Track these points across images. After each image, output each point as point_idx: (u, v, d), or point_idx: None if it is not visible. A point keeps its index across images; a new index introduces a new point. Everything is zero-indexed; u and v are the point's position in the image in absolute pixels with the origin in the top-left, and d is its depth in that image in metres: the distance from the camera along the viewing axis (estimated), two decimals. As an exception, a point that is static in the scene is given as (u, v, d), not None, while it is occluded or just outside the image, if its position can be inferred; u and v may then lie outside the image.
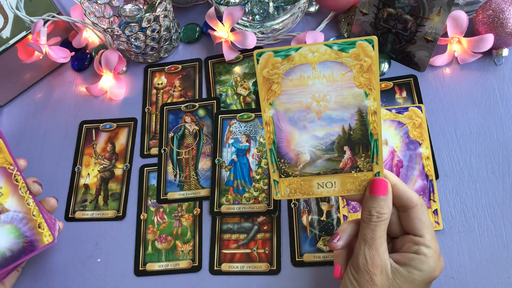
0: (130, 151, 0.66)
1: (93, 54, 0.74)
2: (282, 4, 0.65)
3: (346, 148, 0.45)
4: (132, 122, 0.68)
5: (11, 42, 0.67)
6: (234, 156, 0.62)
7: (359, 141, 0.44)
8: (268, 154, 0.46)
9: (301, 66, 0.43)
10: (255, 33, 0.65)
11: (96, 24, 0.64)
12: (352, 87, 0.43)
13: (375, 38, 0.41)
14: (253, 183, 0.60)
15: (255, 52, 0.42)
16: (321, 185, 0.46)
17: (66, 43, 0.74)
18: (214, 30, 0.66)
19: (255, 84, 0.67)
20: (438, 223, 0.54)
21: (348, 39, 0.41)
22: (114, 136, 0.67)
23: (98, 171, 0.65)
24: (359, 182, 0.45)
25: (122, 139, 0.67)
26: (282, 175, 0.46)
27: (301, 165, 0.46)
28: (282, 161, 0.46)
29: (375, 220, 0.42)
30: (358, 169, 0.45)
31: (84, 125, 0.69)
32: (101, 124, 0.69)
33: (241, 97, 0.67)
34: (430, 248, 0.41)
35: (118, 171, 0.65)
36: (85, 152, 0.67)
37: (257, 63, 0.43)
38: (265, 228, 0.58)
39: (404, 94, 0.62)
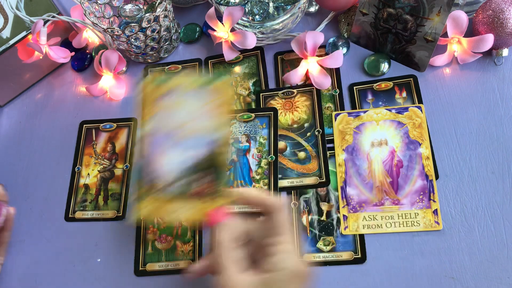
0: (130, 151, 0.66)
1: (93, 54, 0.74)
2: (282, 4, 0.65)
3: (200, 174, 0.46)
4: (132, 122, 0.68)
5: (11, 42, 0.67)
6: (234, 156, 0.63)
7: (211, 168, 0.46)
8: (134, 174, 0.48)
9: (174, 91, 0.47)
10: (255, 33, 0.65)
11: (96, 24, 0.64)
12: (211, 118, 0.46)
13: (228, 79, 0.47)
14: (253, 183, 0.60)
15: (145, 79, 0.48)
16: (174, 209, 0.47)
17: (66, 43, 0.74)
18: (214, 30, 0.66)
19: (255, 84, 0.67)
20: (438, 223, 0.54)
21: (210, 77, 0.47)
22: (114, 136, 0.67)
23: (98, 171, 0.65)
24: (208, 206, 0.46)
25: (122, 139, 0.67)
26: (143, 196, 0.47)
27: (160, 187, 0.47)
28: (145, 182, 0.47)
29: (218, 247, 0.42)
30: (209, 195, 0.46)
31: (84, 125, 0.69)
32: (101, 124, 0.69)
33: (241, 97, 0.67)
34: (289, 243, 0.41)
35: (118, 171, 0.65)
36: (85, 152, 0.67)
37: (144, 84, 0.48)
38: (265, 228, 0.58)
39: (404, 94, 0.62)
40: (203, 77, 0.47)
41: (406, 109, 0.60)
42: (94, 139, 0.68)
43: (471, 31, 0.61)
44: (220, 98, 0.46)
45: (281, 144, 0.62)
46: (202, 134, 0.46)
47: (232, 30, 0.66)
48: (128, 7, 0.69)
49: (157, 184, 0.47)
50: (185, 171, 0.47)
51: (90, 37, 0.74)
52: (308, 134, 0.62)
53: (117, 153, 0.66)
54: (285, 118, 0.64)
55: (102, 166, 0.66)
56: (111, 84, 0.70)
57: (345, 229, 0.56)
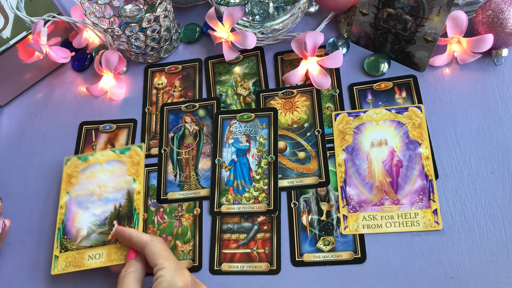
0: None
1: (93, 54, 0.74)
2: (282, 4, 0.65)
3: (115, 222, 0.57)
4: (132, 123, 0.68)
5: (12, 42, 0.67)
6: (234, 156, 0.63)
7: (125, 215, 0.57)
8: (56, 232, 0.58)
9: (92, 165, 0.61)
10: (255, 34, 0.66)
11: (97, 24, 0.64)
12: (125, 176, 0.59)
13: (143, 145, 0.63)
14: (253, 183, 0.60)
15: (65, 159, 0.63)
16: (91, 257, 0.55)
17: (66, 43, 0.74)
18: (214, 30, 0.67)
19: (255, 84, 0.67)
20: (437, 223, 0.54)
21: (125, 147, 0.62)
22: (114, 137, 0.67)
23: None
24: (121, 252, 0.55)
25: (121, 140, 0.67)
26: (62, 250, 0.56)
27: (79, 239, 0.56)
28: (65, 237, 0.57)
29: (122, 275, 0.50)
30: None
31: (84, 126, 0.69)
32: (101, 125, 0.69)
33: (241, 97, 0.67)
34: (164, 269, 0.48)
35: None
36: (85, 152, 0.67)
37: (65, 164, 0.62)
38: (265, 228, 0.58)
39: (404, 94, 0.62)
40: (117, 150, 0.61)
41: (406, 109, 0.60)
42: (94, 140, 0.68)
43: (470, 31, 0.61)
44: (133, 159, 0.60)
45: (281, 144, 0.62)
46: (119, 189, 0.58)
47: (232, 30, 0.66)
48: (129, 7, 0.69)
49: (74, 240, 0.57)
50: (106, 220, 0.57)
51: (90, 37, 0.74)
52: (308, 134, 0.62)
53: None
54: (285, 118, 0.64)
55: None
56: (111, 84, 0.70)
57: (345, 229, 0.56)
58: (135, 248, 0.52)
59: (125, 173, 0.59)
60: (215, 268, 0.57)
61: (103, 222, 0.57)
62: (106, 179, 0.59)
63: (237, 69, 0.69)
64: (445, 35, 0.60)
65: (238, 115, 0.65)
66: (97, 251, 0.55)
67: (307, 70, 0.64)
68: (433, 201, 0.55)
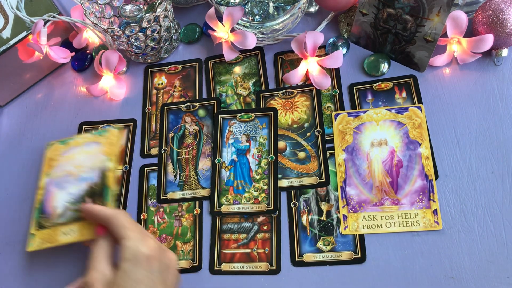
0: (129, 153, 0.66)
1: (94, 54, 0.74)
2: (282, 4, 0.65)
3: (88, 199, 0.57)
4: (132, 124, 0.68)
5: (12, 42, 0.67)
6: (234, 156, 0.63)
7: (98, 192, 0.58)
8: (34, 212, 0.59)
9: (72, 148, 0.62)
10: (255, 34, 0.66)
11: (97, 24, 0.64)
12: (100, 156, 0.60)
13: (120, 126, 0.67)
14: (253, 183, 0.60)
15: (46, 144, 0.64)
16: (64, 233, 0.57)
17: (66, 44, 0.74)
18: (214, 30, 0.67)
19: (255, 84, 0.67)
20: (437, 223, 0.54)
21: (96, 132, 0.63)
22: None
23: None
24: (92, 227, 0.55)
25: (121, 140, 0.67)
26: (38, 228, 0.58)
27: (54, 217, 0.58)
28: (42, 216, 0.59)
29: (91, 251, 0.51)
30: None
31: (84, 127, 0.69)
32: (101, 126, 0.69)
33: (241, 97, 0.67)
34: (127, 238, 0.48)
35: (118, 172, 0.65)
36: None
37: (46, 149, 0.64)
38: (265, 228, 0.58)
39: (404, 94, 0.62)
40: (95, 133, 0.63)
41: (406, 109, 0.60)
42: None
43: (470, 31, 0.61)
44: (105, 143, 0.61)
45: (281, 144, 0.62)
46: (94, 168, 0.60)
47: (232, 30, 0.66)
48: (128, 7, 0.69)
49: (50, 218, 0.58)
50: (80, 198, 0.58)
51: (90, 37, 0.74)
52: (308, 134, 0.62)
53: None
54: (285, 118, 0.64)
55: None
56: (111, 84, 0.70)
57: (345, 229, 0.56)
58: (101, 223, 0.53)
59: (101, 153, 0.61)
60: (215, 268, 0.57)
61: (78, 200, 0.58)
62: (83, 160, 0.61)
63: (237, 69, 0.69)
64: (445, 35, 0.60)
65: (238, 115, 0.65)
66: (70, 227, 0.57)
67: (307, 70, 0.64)
68: (433, 201, 0.55)
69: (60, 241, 0.57)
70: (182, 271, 0.58)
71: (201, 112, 0.67)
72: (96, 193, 0.58)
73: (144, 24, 0.63)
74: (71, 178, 0.60)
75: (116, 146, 0.61)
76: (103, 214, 0.52)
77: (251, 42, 0.64)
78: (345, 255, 0.55)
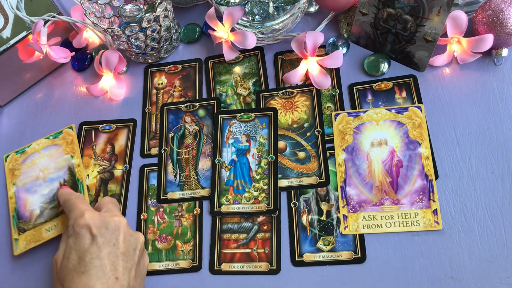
0: (129, 152, 0.66)
1: (93, 54, 0.74)
2: (282, 4, 0.65)
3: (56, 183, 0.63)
4: (132, 123, 0.68)
5: (12, 42, 0.67)
6: (234, 156, 0.63)
7: (71, 188, 0.61)
8: (11, 220, 0.62)
9: (31, 155, 0.66)
10: (255, 33, 0.66)
11: (97, 24, 0.64)
12: (62, 155, 0.65)
13: (73, 125, 0.68)
14: (253, 183, 0.60)
15: (4, 156, 0.68)
16: (47, 230, 0.61)
17: (66, 43, 0.74)
18: (214, 30, 0.67)
19: (255, 84, 0.67)
20: (437, 223, 0.54)
21: (55, 132, 0.68)
22: (114, 137, 0.67)
23: (98, 172, 0.65)
24: None
25: (121, 140, 0.67)
26: (20, 232, 0.61)
27: (33, 219, 0.61)
28: (20, 221, 0.62)
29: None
30: None
31: (84, 126, 0.69)
32: (101, 125, 0.69)
33: (241, 97, 0.67)
34: (70, 218, 0.53)
35: (118, 172, 0.65)
36: (84, 153, 0.67)
37: (5, 161, 0.67)
38: (265, 228, 0.58)
39: (404, 94, 0.62)
40: (51, 137, 0.67)
41: (406, 109, 0.60)
42: (93, 140, 0.68)
43: (470, 31, 0.61)
44: (62, 144, 0.66)
45: (281, 144, 0.62)
46: (60, 168, 0.64)
47: (232, 30, 0.66)
48: (128, 7, 0.69)
49: (29, 221, 0.62)
50: (54, 197, 0.62)
51: (90, 37, 0.74)
52: (308, 134, 0.62)
53: (117, 154, 0.66)
54: (285, 118, 0.64)
55: (101, 167, 0.66)
56: (112, 84, 0.70)
57: (345, 229, 0.56)
58: (63, 207, 0.57)
59: (62, 153, 0.65)
60: (215, 268, 0.57)
61: (52, 198, 0.63)
62: (47, 163, 0.65)
63: (237, 69, 0.69)
64: (445, 35, 0.60)
65: (238, 115, 0.65)
66: (52, 223, 0.61)
67: (307, 70, 0.64)
68: (433, 201, 0.55)
69: (45, 238, 0.60)
70: (182, 271, 0.58)
71: (201, 112, 0.67)
72: (74, 183, 0.63)
73: (144, 24, 0.63)
74: (39, 181, 0.64)
75: (74, 143, 0.66)
76: (61, 199, 0.57)
77: (251, 42, 0.64)
78: (345, 255, 0.55)
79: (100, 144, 0.67)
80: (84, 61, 0.74)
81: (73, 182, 0.63)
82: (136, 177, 0.64)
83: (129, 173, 0.65)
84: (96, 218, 0.51)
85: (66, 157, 0.65)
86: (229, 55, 0.67)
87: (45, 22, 0.68)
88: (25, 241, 0.61)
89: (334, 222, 0.57)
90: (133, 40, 0.65)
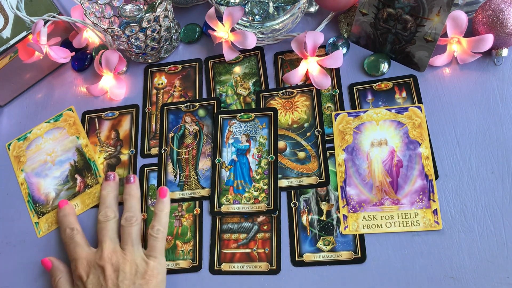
0: (134, 137, 0.67)
1: (94, 54, 0.74)
2: (282, 4, 0.65)
3: (77, 175, 0.64)
4: (134, 109, 0.68)
5: (12, 42, 0.67)
6: (234, 156, 0.63)
7: (83, 167, 0.64)
8: (27, 205, 0.64)
9: (34, 140, 0.68)
10: (255, 33, 0.66)
11: (97, 24, 0.64)
12: (68, 137, 0.67)
13: (72, 107, 0.69)
14: (253, 183, 0.60)
15: (6, 145, 0.69)
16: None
17: (66, 43, 0.74)
18: (214, 30, 0.67)
19: (255, 84, 0.67)
20: (437, 223, 0.54)
21: (52, 117, 0.69)
22: (117, 123, 0.68)
23: (104, 158, 0.66)
24: (93, 195, 0.63)
25: (125, 126, 0.68)
26: (40, 215, 0.63)
27: (51, 202, 0.63)
28: (37, 205, 0.64)
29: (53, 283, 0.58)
30: (89, 186, 0.63)
31: (87, 115, 0.69)
32: (103, 113, 0.69)
33: (241, 97, 0.67)
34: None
35: (124, 157, 0.66)
36: (89, 141, 0.67)
37: (8, 149, 0.68)
38: (265, 228, 0.58)
39: (404, 94, 0.62)
40: (49, 121, 0.68)
41: (406, 109, 0.60)
42: (97, 127, 0.68)
43: (470, 31, 0.61)
44: (65, 126, 0.67)
45: (281, 144, 0.62)
46: (67, 149, 0.66)
47: (232, 30, 0.66)
48: (128, 7, 0.69)
49: (46, 204, 0.63)
50: (67, 178, 0.64)
51: (90, 37, 0.74)
52: (308, 134, 0.62)
53: (122, 139, 0.67)
54: (285, 118, 0.64)
55: (107, 153, 0.66)
56: (112, 84, 0.70)
57: (345, 229, 0.56)
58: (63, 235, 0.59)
59: (67, 135, 0.66)
60: (215, 268, 0.57)
61: (66, 179, 0.64)
62: (52, 146, 0.66)
63: (237, 69, 0.69)
64: (445, 35, 0.60)
65: (238, 115, 0.65)
66: (72, 203, 0.62)
67: (307, 70, 0.64)
68: (433, 201, 0.55)
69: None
70: (182, 271, 0.58)
71: (201, 112, 0.67)
72: (82, 168, 0.64)
73: (144, 24, 0.63)
74: (49, 165, 0.65)
75: (77, 124, 0.67)
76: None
77: (251, 42, 0.64)
78: (345, 255, 0.55)
79: (105, 131, 0.68)
80: (84, 61, 0.74)
81: (85, 162, 0.64)
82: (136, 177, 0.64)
83: (135, 157, 0.65)
84: (102, 257, 0.55)
85: (71, 138, 0.66)
86: (229, 55, 0.67)
87: (45, 22, 0.68)
88: (46, 223, 0.62)
89: (334, 222, 0.57)
90: (133, 40, 0.65)
